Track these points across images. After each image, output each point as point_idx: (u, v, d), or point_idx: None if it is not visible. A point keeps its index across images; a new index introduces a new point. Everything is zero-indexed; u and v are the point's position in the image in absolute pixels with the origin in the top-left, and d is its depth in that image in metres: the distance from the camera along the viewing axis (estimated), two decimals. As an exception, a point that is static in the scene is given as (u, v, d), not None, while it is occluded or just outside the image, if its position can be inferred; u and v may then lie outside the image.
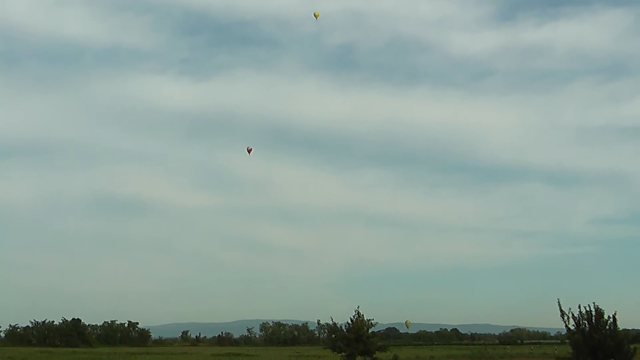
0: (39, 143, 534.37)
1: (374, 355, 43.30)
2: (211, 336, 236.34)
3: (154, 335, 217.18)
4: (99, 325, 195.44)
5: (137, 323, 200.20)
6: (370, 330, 43.77)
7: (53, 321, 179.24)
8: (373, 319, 44.09)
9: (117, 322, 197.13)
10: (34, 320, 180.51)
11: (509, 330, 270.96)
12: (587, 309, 36.25)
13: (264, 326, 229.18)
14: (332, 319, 45.15)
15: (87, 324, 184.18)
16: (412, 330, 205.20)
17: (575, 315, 36.43)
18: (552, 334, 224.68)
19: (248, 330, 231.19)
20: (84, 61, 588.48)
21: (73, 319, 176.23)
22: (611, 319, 35.90)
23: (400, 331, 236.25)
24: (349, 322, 43.66)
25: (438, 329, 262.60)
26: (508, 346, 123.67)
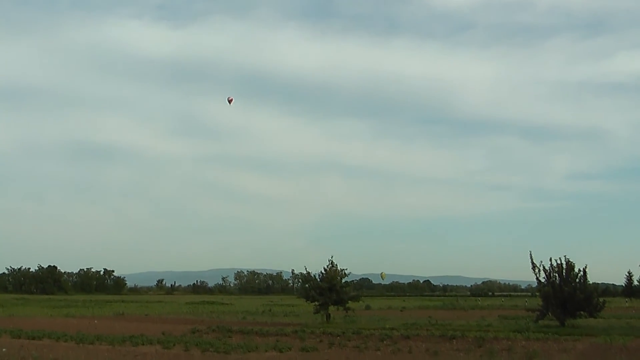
0: (11, 88, 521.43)
1: (347, 305, 43.49)
2: (186, 285, 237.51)
3: (130, 284, 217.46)
4: (74, 272, 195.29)
5: (113, 271, 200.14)
6: (343, 280, 43.84)
7: (29, 268, 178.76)
8: (346, 269, 44.18)
9: (92, 269, 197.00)
10: (10, 267, 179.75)
11: (481, 282, 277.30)
12: (558, 262, 36.56)
13: (238, 275, 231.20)
14: (306, 269, 45.19)
15: (62, 272, 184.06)
16: (386, 282, 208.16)
17: (547, 268, 36.75)
18: (523, 287, 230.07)
19: (223, 279, 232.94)
20: (58, 4, 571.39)
21: (49, 266, 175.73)
22: (581, 273, 36.27)
23: (374, 282, 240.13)
24: (323, 271, 43.68)
25: (411, 281, 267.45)
26: (479, 298, 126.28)
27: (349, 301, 43.87)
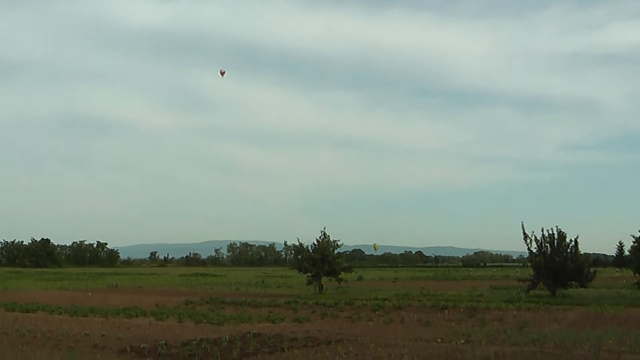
0: (1, 61, 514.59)
1: (339, 276, 43.69)
2: (179, 257, 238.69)
3: (123, 256, 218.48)
4: (67, 245, 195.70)
5: (106, 244, 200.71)
6: (335, 251, 43.95)
7: (22, 241, 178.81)
8: (339, 241, 44.27)
9: (85, 242, 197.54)
10: (3, 240, 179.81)
11: (473, 253, 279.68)
12: (550, 232, 36.66)
13: (231, 247, 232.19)
14: (298, 240, 45.15)
15: (56, 244, 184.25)
16: (378, 253, 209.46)
17: (538, 238, 36.82)
18: (514, 258, 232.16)
19: (216, 251, 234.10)
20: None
21: (42, 239, 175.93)
22: (573, 243, 36.38)
23: (366, 253, 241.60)
24: (315, 243, 43.72)
25: (403, 252, 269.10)
26: (471, 269, 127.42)
27: (342, 272, 44.06)
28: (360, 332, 20.20)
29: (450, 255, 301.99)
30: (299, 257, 45.00)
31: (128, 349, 15.60)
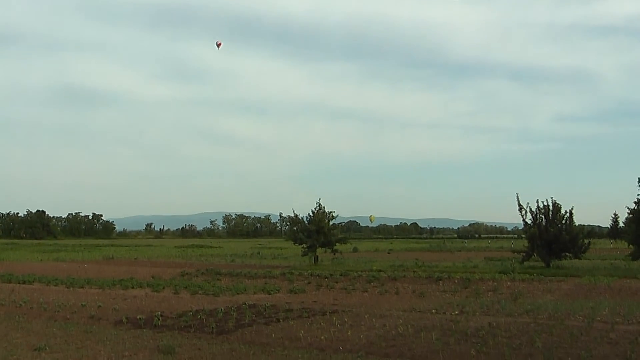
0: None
1: (334, 247, 43.85)
2: (175, 228, 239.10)
3: (118, 228, 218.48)
4: (63, 217, 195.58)
5: (102, 215, 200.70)
6: (331, 223, 44.04)
7: (18, 213, 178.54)
8: (334, 212, 44.31)
9: (81, 214, 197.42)
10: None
11: (468, 224, 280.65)
12: (545, 204, 36.80)
13: (227, 219, 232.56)
14: (293, 212, 45.34)
15: (51, 216, 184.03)
16: (374, 225, 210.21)
17: (533, 209, 36.96)
18: (509, 229, 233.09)
19: (211, 222, 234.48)
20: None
21: (37, 210, 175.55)
22: (567, 214, 36.53)
23: (361, 225, 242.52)
24: (311, 214, 43.79)
25: (398, 223, 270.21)
26: (466, 240, 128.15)
27: (337, 243, 44.23)
28: (355, 303, 20.34)
29: (445, 226, 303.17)
30: (295, 228, 45.14)
31: (124, 319, 15.68)
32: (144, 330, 14.29)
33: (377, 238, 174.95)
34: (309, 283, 28.35)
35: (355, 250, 66.34)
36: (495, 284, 25.98)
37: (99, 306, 18.79)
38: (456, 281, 27.32)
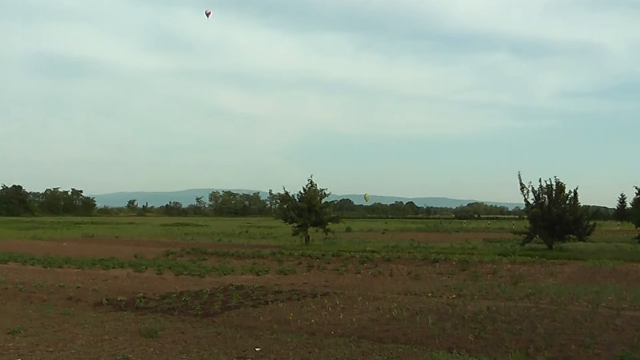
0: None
1: (326, 227, 43.83)
2: (159, 206, 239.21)
3: (99, 204, 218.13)
4: (41, 192, 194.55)
5: (82, 191, 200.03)
6: (323, 201, 43.97)
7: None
8: (326, 189, 44.18)
9: (60, 189, 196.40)
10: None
11: (466, 204, 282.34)
12: (548, 183, 36.72)
13: (213, 195, 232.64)
14: (284, 189, 45.01)
15: (28, 192, 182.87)
16: (368, 204, 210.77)
17: (535, 189, 36.89)
18: (510, 209, 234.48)
19: (197, 199, 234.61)
20: None
21: (14, 185, 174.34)
22: (572, 194, 36.47)
23: (355, 203, 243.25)
24: (302, 192, 43.68)
25: (393, 202, 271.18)
26: (464, 221, 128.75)
27: (329, 223, 44.20)
28: (348, 285, 20.38)
29: (442, 206, 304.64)
30: (285, 206, 44.99)
31: (104, 301, 15.61)
32: (125, 312, 14.22)
33: (371, 217, 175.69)
34: (299, 264, 28.38)
35: (348, 230, 66.56)
36: (495, 266, 26.05)
37: (78, 287, 18.70)
38: (454, 263, 27.38)
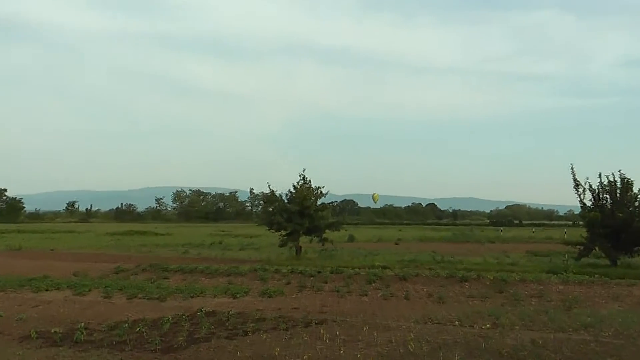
0: None
1: (324, 235, 43.70)
2: (107, 209, 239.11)
3: (29, 207, 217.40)
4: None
5: (6, 190, 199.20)
6: (319, 202, 43.94)
7: None
8: (323, 187, 44.12)
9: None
10: None
11: (504, 206, 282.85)
12: (611, 179, 36.52)
13: (178, 196, 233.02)
14: (269, 187, 44.90)
15: None
16: (377, 206, 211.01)
17: (594, 187, 36.73)
18: (561, 213, 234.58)
19: (157, 200, 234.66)
20: None
21: None
22: (642, 194, 36.20)
23: (360, 205, 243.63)
24: (292, 190, 43.62)
25: (410, 204, 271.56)
26: (501, 228, 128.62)
27: (327, 230, 44.18)
28: (351, 311, 20.32)
29: (473, 209, 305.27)
30: (270, 209, 44.97)
31: (34, 334, 15.51)
32: (61, 348, 14.14)
33: (381, 223, 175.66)
34: (288, 283, 28.31)
35: (351, 239, 66.53)
36: (542, 287, 26.02)
37: (0, 315, 18.60)
38: (488, 283, 27.35)
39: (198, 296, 24.12)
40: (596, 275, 28.76)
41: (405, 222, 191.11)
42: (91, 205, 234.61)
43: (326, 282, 28.34)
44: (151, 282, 28.67)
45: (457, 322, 17.71)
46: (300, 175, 43.70)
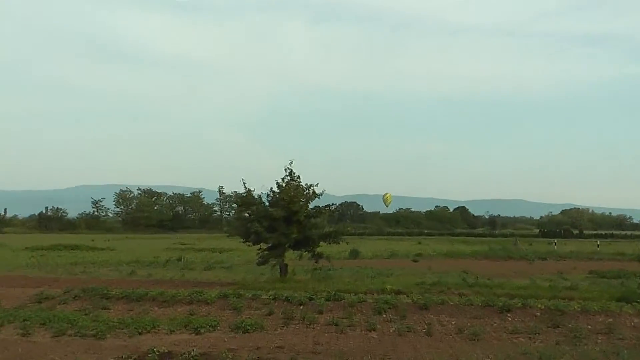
0: None
1: (317, 250, 43.52)
2: (27, 214, 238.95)
3: None
4: None
5: None
6: (311, 205, 43.82)
7: None
8: (316, 185, 43.88)
9: None
10: None
11: (559, 211, 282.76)
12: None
13: (122, 196, 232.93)
14: (244, 184, 44.84)
15: None
16: (389, 210, 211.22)
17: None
18: (636, 220, 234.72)
19: (94, 203, 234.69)
20: None
21: None
22: None
23: (367, 210, 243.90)
24: (275, 189, 43.48)
25: (432, 208, 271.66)
26: (555, 240, 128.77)
27: (322, 242, 44.13)
28: (353, 351, 20.35)
29: (517, 214, 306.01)
30: (246, 214, 44.94)
31: None
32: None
33: (394, 234, 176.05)
34: (269, 314, 28.29)
35: (354, 254, 66.66)
36: (611, 320, 26.03)
37: None
38: (538, 314, 27.37)
39: (149, 332, 24.08)
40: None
41: (426, 231, 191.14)
42: (5, 210, 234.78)
43: (321, 313, 28.33)
44: (85, 314, 28.61)
45: (496, 367, 17.72)
46: (286, 170, 43.54)
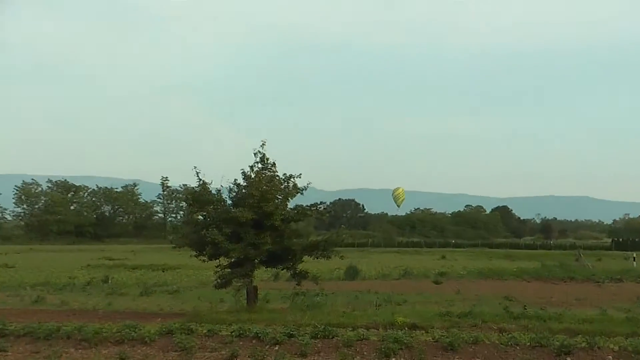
0: None
1: (298, 268, 43.25)
2: None
3: None
4: None
5: None
6: (291, 204, 43.60)
7: None
8: (299, 176, 43.51)
9: None
10: None
11: (638, 214, 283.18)
12: None
13: (27, 192, 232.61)
14: (198, 175, 44.56)
15: None
16: (401, 212, 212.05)
17: None
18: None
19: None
20: None
21: None
22: None
23: (369, 212, 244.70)
24: (241, 181, 43.21)
25: (461, 209, 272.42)
26: (634, 253, 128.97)
27: (305, 256, 44.01)
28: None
29: (580, 218, 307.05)
30: (200, 216, 44.88)
31: None
32: None
33: (407, 244, 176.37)
34: (232, 357, 28.19)
35: (352, 274, 66.58)
36: None
37: None
38: (610, 357, 27.34)
39: (61, 382, 24.03)
40: None
41: (453, 241, 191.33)
42: None
43: (304, 356, 28.22)
44: (-27, 357, 28.56)
45: None
46: (256, 155, 43.13)
